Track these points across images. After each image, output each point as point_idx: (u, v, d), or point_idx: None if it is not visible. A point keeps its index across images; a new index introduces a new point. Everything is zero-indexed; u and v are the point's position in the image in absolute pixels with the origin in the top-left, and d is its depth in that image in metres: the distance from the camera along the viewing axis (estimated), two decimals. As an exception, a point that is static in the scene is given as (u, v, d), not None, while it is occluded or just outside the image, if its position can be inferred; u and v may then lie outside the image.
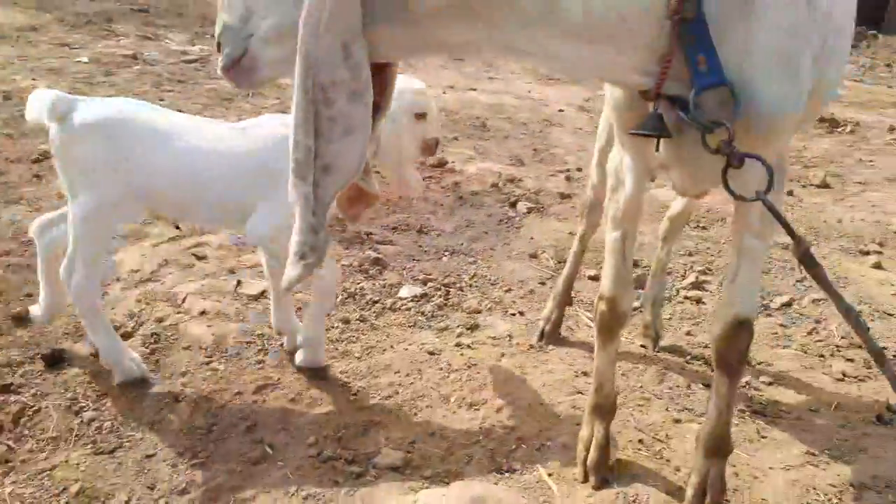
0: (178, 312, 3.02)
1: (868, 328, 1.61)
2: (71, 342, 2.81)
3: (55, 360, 2.67)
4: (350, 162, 1.40)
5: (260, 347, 2.86)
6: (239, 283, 3.28)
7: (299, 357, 2.71)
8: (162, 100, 6.57)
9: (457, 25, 1.41)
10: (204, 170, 2.40)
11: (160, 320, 2.97)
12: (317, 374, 2.71)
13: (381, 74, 1.53)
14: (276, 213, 2.36)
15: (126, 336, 2.88)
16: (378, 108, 1.54)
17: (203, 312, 3.02)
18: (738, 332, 2.01)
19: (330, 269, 2.62)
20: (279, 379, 2.66)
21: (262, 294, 3.21)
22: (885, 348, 3.22)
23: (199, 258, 3.53)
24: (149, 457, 2.30)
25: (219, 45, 1.54)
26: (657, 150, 1.72)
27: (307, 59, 1.31)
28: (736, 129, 1.51)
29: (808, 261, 1.54)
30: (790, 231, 1.54)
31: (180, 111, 5.96)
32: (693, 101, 1.43)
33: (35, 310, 2.78)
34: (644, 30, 1.42)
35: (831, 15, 1.63)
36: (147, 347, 2.81)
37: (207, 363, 2.74)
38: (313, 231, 1.41)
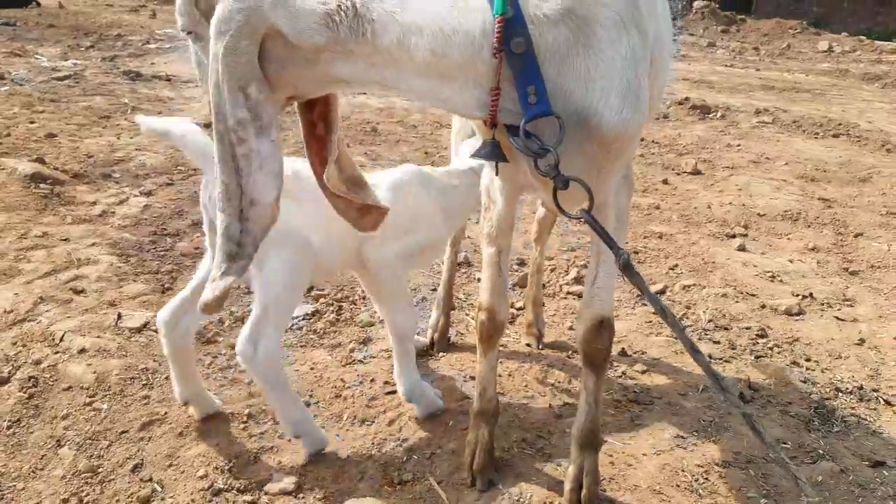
0: (57, 352, 2.93)
1: (683, 328, 1.79)
2: (-60, 394, 2.69)
3: (-77, 416, 2.55)
4: (268, 192, 1.59)
5: (144, 382, 2.81)
6: (119, 316, 3.20)
7: (416, 413, 2.69)
8: (33, 122, 6.28)
9: (342, 64, 1.58)
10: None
11: (38, 362, 2.87)
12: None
13: (323, 100, 1.76)
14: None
15: (2, 382, 2.78)
16: (331, 128, 1.78)
17: (83, 350, 2.94)
18: (600, 331, 2.16)
19: (404, 312, 2.63)
20: (166, 413, 2.64)
21: (145, 326, 3.16)
22: (747, 328, 3.50)
23: (77, 292, 3.42)
24: (32, 507, 2.24)
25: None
26: (496, 174, 1.89)
27: (216, 108, 1.53)
28: (587, 147, 1.65)
29: (627, 271, 1.68)
30: (609, 243, 1.69)
31: (53, 134, 5.75)
32: (522, 129, 1.56)
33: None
34: (473, 67, 1.54)
35: (658, 33, 1.79)
36: (25, 392, 2.72)
37: (90, 403, 2.68)
38: (231, 258, 1.59)
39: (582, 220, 1.70)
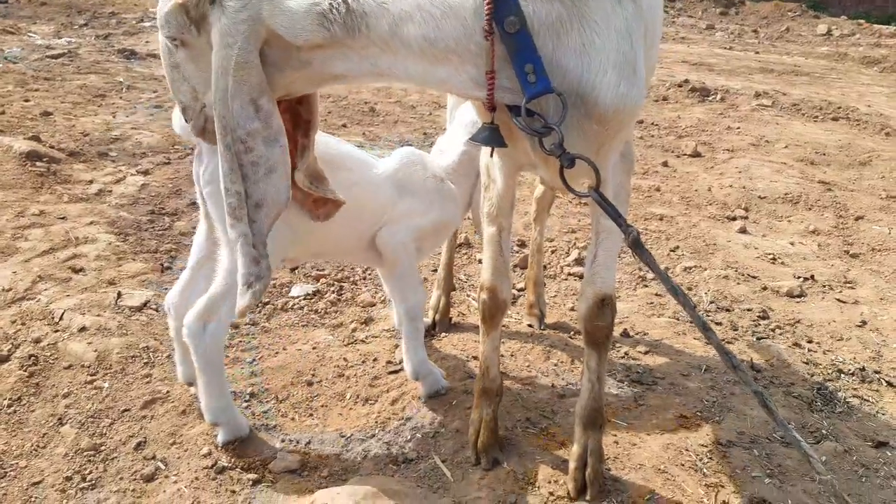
0: (57, 331, 2.91)
1: (694, 306, 1.78)
2: (-61, 372, 2.67)
3: (-77, 394, 2.53)
4: (277, 194, 1.66)
5: (146, 361, 2.79)
6: (119, 294, 3.18)
7: (422, 391, 2.67)
8: (27, 101, 6.21)
9: (337, 61, 1.61)
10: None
11: (38, 341, 2.84)
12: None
13: (306, 98, 1.83)
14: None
15: (2, 360, 2.75)
16: (310, 126, 1.87)
17: (83, 329, 2.92)
18: (602, 309, 2.15)
19: (415, 291, 2.61)
20: (167, 392, 2.62)
21: (145, 305, 3.13)
22: (749, 309, 3.50)
23: (76, 271, 3.39)
24: (35, 484, 2.23)
25: (185, 116, 1.87)
26: (491, 156, 1.93)
27: (223, 121, 1.58)
28: (585, 124, 1.63)
29: (636, 248, 1.67)
30: (618, 221, 1.68)
31: (48, 112, 5.70)
32: (524, 108, 1.54)
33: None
34: (467, 49, 1.53)
35: (650, 4, 1.77)
36: (25, 370, 2.70)
37: (91, 382, 2.66)
38: (255, 262, 1.66)
39: (589, 197, 1.69)
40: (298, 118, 1.88)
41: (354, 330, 3.17)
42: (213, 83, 1.58)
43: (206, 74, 1.68)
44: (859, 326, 3.41)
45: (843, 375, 2.99)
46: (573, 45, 1.54)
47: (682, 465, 2.37)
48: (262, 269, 1.67)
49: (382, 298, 3.45)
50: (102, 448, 2.37)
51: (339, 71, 1.63)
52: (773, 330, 3.37)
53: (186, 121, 1.88)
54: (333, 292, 3.49)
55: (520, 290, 3.60)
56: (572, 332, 3.24)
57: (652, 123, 7.30)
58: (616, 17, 1.54)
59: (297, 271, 3.64)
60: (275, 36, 1.56)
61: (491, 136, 1.67)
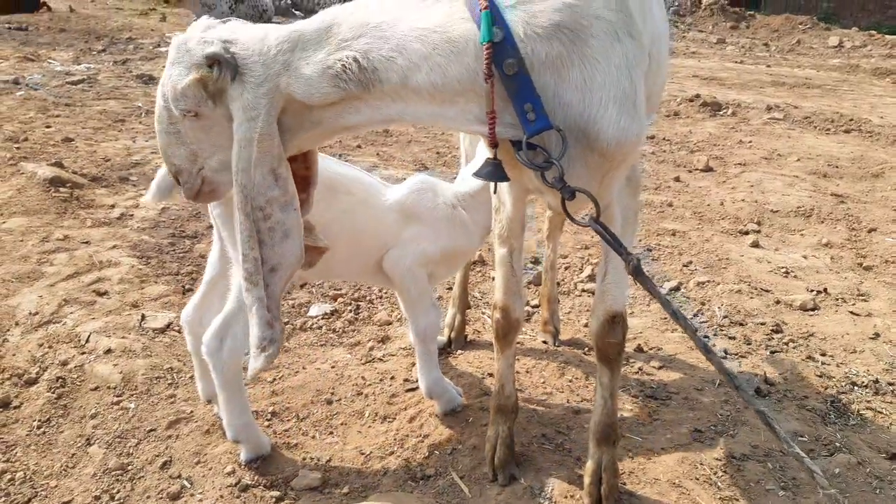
0: (83, 353, 3.00)
1: (695, 329, 1.83)
2: (-29, 395, 2.76)
3: (-44, 416, 2.62)
4: (292, 258, 1.73)
5: (170, 381, 2.87)
6: (143, 317, 3.26)
7: (437, 409, 2.73)
8: (49, 127, 6.37)
9: (349, 115, 1.69)
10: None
11: (65, 363, 2.93)
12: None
13: (302, 155, 1.88)
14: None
15: (30, 382, 2.84)
16: (309, 182, 1.92)
17: (109, 351, 3.00)
18: (613, 326, 2.20)
19: (427, 314, 2.66)
20: (192, 412, 2.69)
21: (168, 327, 3.22)
22: (762, 323, 3.53)
23: (101, 294, 3.49)
24: (65, 503, 2.30)
25: (176, 178, 1.90)
26: (494, 191, 2.07)
27: (244, 190, 1.65)
28: (588, 156, 1.69)
29: (637, 275, 1.73)
30: (618, 249, 1.75)
31: (70, 138, 5.83)
32: (525, 144, 1.62)
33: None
34: (473, 91, 1.61)
35: (655, 32, 1.84)
36: (53, 392, 2.78)
37: (117, 403, 2.74)
38: (269, 325, 1.72)
39: (590, 227, 1.75)
40: (294, 174, 1.89)
41: (372, 348, 3.23)
42: (234, 155, 1.64)
43: (215, 141, 1.75)
44: (872, 339, 3.42)
45: (856, 388, 3.01)
46: (574, 81, 1.61)
47: (697, 479, 2.40)
48: (276, 331, 1.73)
49: (399, 317, 3.51)
50: (129, 468, 2.44)
51: (351, 123, 1.70)
52: (786, 343, 3.39)
53: (180, 183, 1.91)
54: (351, 311, 3.55)
55: (534, 307, 3.65)
56: (587, 349, 3.28)
57: (663, 139, 7.34)
58: (616, 53, 1.61)
59: (314, 291, 3.72)
60: (291, 101, 1.64)
61: (494, 171, 1.74)
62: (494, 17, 1.55)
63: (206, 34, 1.73)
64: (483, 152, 2.90)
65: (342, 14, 1.67)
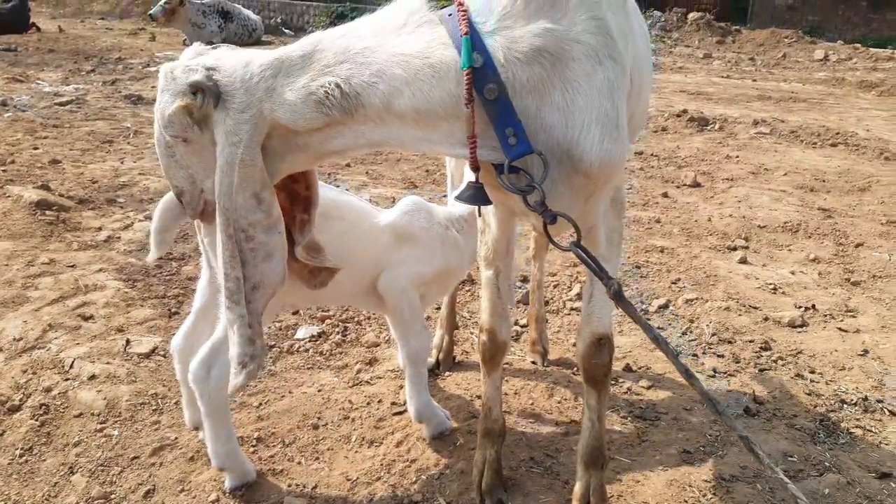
0: (67, 379, 2.96)
1: (677, 353, 1.83)
2: (-48, 424, 2.72)
3: (-64, 446, 2.58)
4: (273, 277, 1.76)
5: (155, 407, 2.84)
6: (128, 342, 3.23)
7: (426, 433, 2.71)
8: (37, 148, 6.34)
9: (334, 139, 1.69)
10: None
11: (48, 390, 2.90)
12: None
13: (302, 175, 1.91)
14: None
15: (14, 409, 2.81)
16: (310, 202, 1.95)
17: (93, 377, 2.97)
18: (600, 348, 2.19)
19: (419, 336, 2.65)
20: (176, 438, 2.66)
21: (153, 351, 3.19)
22: (751, 341, 3.53)
23: (86, 318, 3.46)
24: (45, 535, 2.26)
25: (179, 199, 1.93)
26: (479, 214, 2.09)
27: (226, 213, 1.68)
28: (573, 178, 1.69)
29: (618, 300, 1.73)
30: (599, 274, 1.75)
31: (57, 160, 5.81)
32: (506, 168, 1.62)
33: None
34: (455, 116, 1.61)
35: (636, 52, 1.84)
36: (36, 419, 2.75)
37: (101, 430, 2.70)
38: (251, 342, 1.74)
39: (571, 251, 1.75)
40: (296, 195, 1.95)
41: (359, 371, 3.21)
42: (217, 179, 1.66)
43: (207, 164, 1.76)
44: (861, 355, 3.43)
45: (845, 406, 3.01)
46: (556, 104, 1.61)
47: (686, 501, 2.39)
48: (257, 348, 1.75)
49: (387, 338, 3.49)
50: (112, 496, 2.41)
51: (337, 147, 1.71)
52: (775, 361, 3.39)
53: (182, 203, 1.93)
54: (338, 333, 3.53)
55: (522, 326, 3.63)
56: (575, 369, 3.26)
57: (651, 154, 7.37)
58: (597, 76, 1.61)
59: (302, 313, 3.69)
60: (276, 126, 1.65)
61: (475, 194, 1.74)
62: (475, 43, 1.56)
63: (191, 62, 1.74)
64: (468, 174, 2.90)
65: (325, 40, 1.68)
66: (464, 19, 1.57)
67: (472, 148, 1.63)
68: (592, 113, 1.61)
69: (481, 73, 1.55)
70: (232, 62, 1.71)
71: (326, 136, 1.68)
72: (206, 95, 1.66)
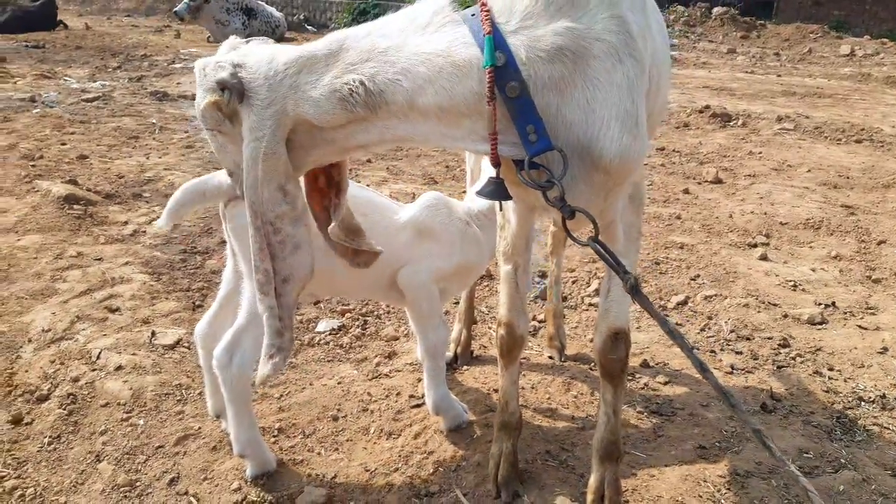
0: (94, 370, 3.04)
1: (692, 348, 1.84)
2: (-16, 411, 2.81)
3: (-31, 432, 2.67)
4: (303, 269, 1.80)
5: (179, 398, 2.91)
6: (153, 333, 3.31)
7: (443, 425, 2.76)
8: (64, 144, 6.47)
9: (359, 134, 1.72)
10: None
11: (76, 380, 2.98)
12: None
13: (335, 163, 1.91)
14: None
15: (42, 399, 2.89)
16: (339, 188, 1.96)
17: (119, 368, 3.05)
18: (616, 343, 2.21)
19: (437, 330, 2.70)
20: (199, 428, 2.73)
21: (178, 343, 3.26)
22: (769, 338, 3.52)
23: (112, 311, 3.54)
24: (74, 520, 2.34)
25: (231, 177, 1.98)
26: (499, 209, 2.09)
27: (253, 206, 1.72)
28: (592, 174, 1.72)
29: (634, 294, 1.75)
30: (616, 269, 1.76)
31: (84, 156, 5.93)
32: (527, 164, 1.64)
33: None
34: (477, 113, 1.64)
35: (654, 49, 1.86)
36: (64, 409, 2.83)
37: (126, 419, 2.78)
38: (279, 334, 1.79)
39: (589, 247, 1.77)
40: (331, 179, 1.98)
41: (378, 364, 3.26)
42: (244, 172, 1.71)
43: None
44: (881, 353, 3.41)
45: (863, 403, 3.00)
46: (577, 101, 1.63)
47: (700, 496, 2.41)
48: (285, 340, 1.79)
49: (406, 332, 3.54)
50: (138, 484, 2.47)
51: (362, 142, 1.74)
52: (793, 358, 3.38)
53: (234, 183, 1.98)
54: (358, 327, 3.58)
55: (540, 321, 3.66)
56: (592, 364, 3.28)
57: (673, 150, 7.34)
58: (617, 74, 1.63)
59: (323, 306, 3.75)
60: (301, 122, 1.69)
61: (496, 189, 1.76)
62: (497, 42, 1.59)
63: (222, 58, 1.79)
64: (487, 170, 2.93)
65: (350, 38, 1.71)
66: (486, 19, 1.60)
67: (493, 144, 1.65)
68: (612, 110, 1.64)
69: (503, 72, 1.58)
70: (257, 58, 1.74)
71: (351, 131, 1.72)
72: (232, 92, 1.71)
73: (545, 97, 1.62)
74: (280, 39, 15.96)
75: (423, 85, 1.62)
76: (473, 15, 1.65)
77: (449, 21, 1.67)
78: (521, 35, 1.62)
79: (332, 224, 1.98)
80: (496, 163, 1.70)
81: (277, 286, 1.77)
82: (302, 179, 1.90)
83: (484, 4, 1.65)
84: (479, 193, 1.82)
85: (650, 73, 1.83)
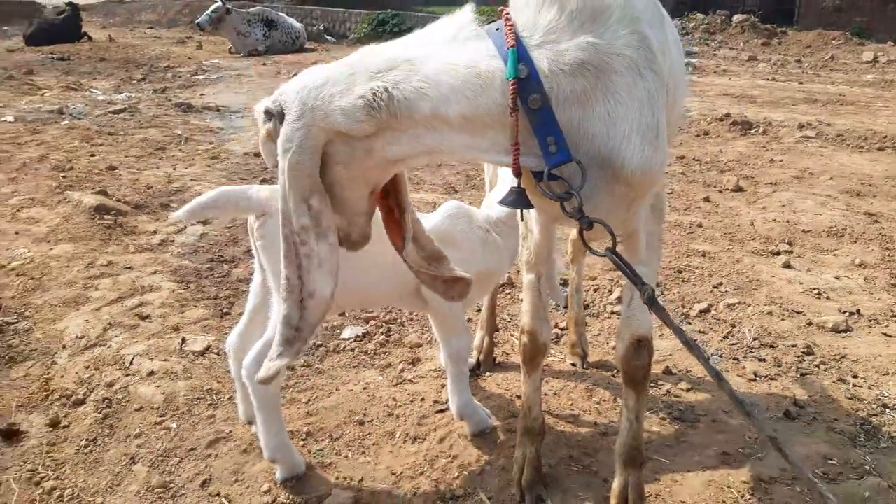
0: (128, 375, 3.13)
1: (708, 357, 1.87)
2: (25, 414, 2.89)
3: (11, 434, 2.76)
4: (325, 287, 1.79)
5: (210, 402, 2.98)
6: (184, 340, 3.39)
7: (467, 430, 2.82)
8: (93, 155, 6.61)
9: (391, 146, 1.73)
10: None
11: (110, 385, 3.06)
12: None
13: (394, 189, 1.94)
14: None
15: (78, 403, 2.98)
16: (402, 210, 1.97)
17: (151, 373, 3.13)
18: (639, 350, 2.24)
19: (460, 337, 2.76)
20: (230, 432, 2.79)
21: (207, 349, 3.34)
22: (793, 346, 3.53)
23: (143, 318, 3.63)
24: (109, 520, 2.41)
25: None
26: (521, 219, 2.13)
27: (283, 214, 1.76)
28: (614, 186, 1.76)
29: (651, 305, 1.79)
30: (633, 280, 1.80)
31: (113, 167, 6.05)
32: (546, 175, 1.69)
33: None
34: (501, 123, 1.68)
35: (671, 61, 1.91)
36: (100, 413, 2.91)
37: (160, 423, 2.85)
38: (288, 343, 1.80)
39: (606, 257, 1.82)
40: (397, 204, 1.99)
41: (402, 370, 3.31)
42: (279, 182, 1.76)
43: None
44: (905, 361, 3.41)
45: (887, 410, 3.00)
46: (599, 114, 1.68)
47: (724, 502, 2.43)
48: (292, 350, 1.80)
49: (429, 339, 3.59)
50: (171, 485, 2.54)
51: (398, 154, 1.76)
52: (817, 366, 3.38)
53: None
54: (382, 334, 3.64)
55: (562, 329, 3.69)
56: (615, 371, 3.31)
57: (693, 158, 7.34)
58: (638, 88, 1.68)
59: (347, 314, 3.81)
60: (334, 133, 1.72)
61: (518, 198, 1.80)
62: (521, 55, 1.63)
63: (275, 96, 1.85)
64: (506, 178, 2.99)
65: (375, 51, 1.76)
66: (510, 33, 1.65)
67: (516, 155, 1.69)
68: (633, 123, 1.68)
69: (526, 84, 1.62)
70: (293, 82, 1.80)
71: (384, 141, 1.74)
72: (273, 118, 1.77)
73: (567, 110, 1.67)
74: (300, 50, 16.17)
75: (447, 94, 1.66)
76: (498, 29, 1.70)
77: (474, 35, 1.72)
78: (544, 49, 1.67)
79: (409, 247, 1.99)
80: (517, 173, 1.74)
81: (304, 299, 1.79)
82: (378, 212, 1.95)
83: (508, 19, 1.70)
84: (502, 202, 1.86)
85: (668, 86, 1.88)
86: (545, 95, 1.63)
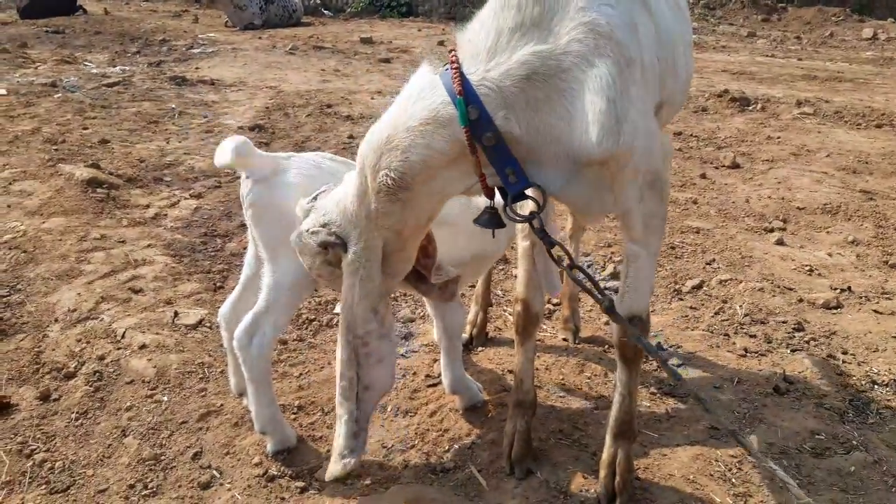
0: (119, 348, 3.13)
1: (666, 360, 2.04)
2: (16, 387, 2.90)
3: (1, 406, 2.76)
4: (384, 379, 2.02)
5: (202, 376, 2.99)
6: (176, 313, 3.39)
7: (459, 404, 2.84)
8: (86, 129, 6.55)
9: (414, 208, 1.88)
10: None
11: (101, 358, 3.06)
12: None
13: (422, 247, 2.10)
14: None
15: (69, 376, 2.98)
16: (429, 256, 2.17)
17: (143, 346, 3.13)
18: (633, 327, 2.24)
19: (454, 312, 2.77)
20: (222, 405, 2.80)
21: (200, 323, 3.34)
22: (784, 322, 3.54)
23: (136, 292, 3.62)
24: (101, 491, 2.42)
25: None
26: (493, 237, 2.24)
27: (346, 322, 1.94)
28: (585, 171, 1.91)
29: (610, 314, 1.95)
30: (593, 293, 2.00)
31: (106, 140, 6.01)
32: (508, 203, 1.86)
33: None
34: (463, 163, 1.83)
35: (663, 38, 1.93)
36: (91, 386, 2.91)
37: (151, 396, 2.86)
38: (355, 436, 1.97)
39: (573, 269, 2.02)
40: (423, 248, 2.15)
41: (395, 345, 3.31)
42: (343, 295, 1.92)
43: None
44: (895, 337, 3.42)
45: (876, 386, 3.02)
46: (560, 114, 1.76)
47: (712, 475, 2.45)
48: (359, 443, 1.96)
49: (422, 314, 3.59)
50: (162, 458, 2.55)
51: (427, 211, 1.93)
52: (807, 342, 3.40)
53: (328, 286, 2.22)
54: (375, 309, 3.64)
55: (555, 304, 3.70)
56: (606, 346, 3.32)
57: (691, 135, 7.31)
58: (590, 78, 1.72)
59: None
60: (387, 230, 1.90)
61: (490, 219, 1.97)
62: (468, 97, 1.73)
63: (310, 225, 2.02)
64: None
65: (369, 146, 1.87)
66: (456, 78, 1.74)
67: (483, 183, 1.85)
68: (589, 114, 1.73)
69: (477, 125, 1.74)
70: (334, 208, 1.98)
71: (411, 209, 1.88)
72: (335, 247, 1.96)
73: (531, 120, 1.76)
74: (297, 24, 16.01)
75: (426, 152, 1.79)
76: (447, 70, 1.79)
77: (428, 86, 1.82)
78: (492, 73, 1.75)
79: (431, 281, 2.18)
80: (489, 195, 1.91)
81: (360, 392, 1.96)
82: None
83: (454, 61, 1.78)
84: (476, 222, 1.99)
85: (649, 60, 1.85)
86: (496, 132, 1.74)
